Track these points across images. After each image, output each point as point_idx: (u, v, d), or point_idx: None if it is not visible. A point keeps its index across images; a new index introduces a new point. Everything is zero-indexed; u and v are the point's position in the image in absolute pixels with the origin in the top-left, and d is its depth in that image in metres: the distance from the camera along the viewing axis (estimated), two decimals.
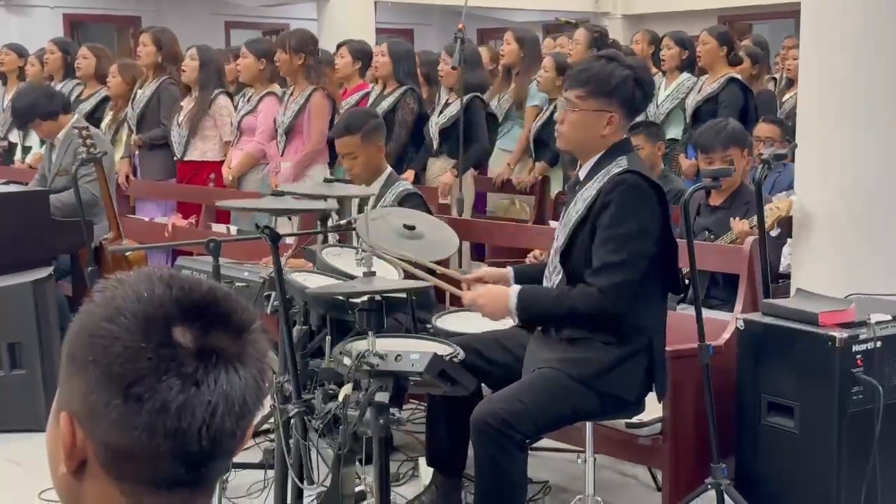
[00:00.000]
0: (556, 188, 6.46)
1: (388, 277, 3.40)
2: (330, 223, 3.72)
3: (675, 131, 6.45)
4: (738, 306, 3.64)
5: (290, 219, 3.71)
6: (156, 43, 6.66)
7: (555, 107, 5.41)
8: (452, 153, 6.19)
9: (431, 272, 3.35)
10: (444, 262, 4.63)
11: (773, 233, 4.06)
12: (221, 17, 14.38)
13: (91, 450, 1.03)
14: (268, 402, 3.32)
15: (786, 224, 3.98)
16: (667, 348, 3.21)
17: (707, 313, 3.39)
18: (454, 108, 6.19)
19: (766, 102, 6.68)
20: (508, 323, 3.62)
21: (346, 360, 2.82)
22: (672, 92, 6.56)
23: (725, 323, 3.57)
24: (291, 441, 3.16)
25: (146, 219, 6.42)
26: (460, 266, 5.67)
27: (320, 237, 3.76)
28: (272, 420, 3.65)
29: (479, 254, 6.67)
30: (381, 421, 2.78)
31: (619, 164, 3.09)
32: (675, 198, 4.88)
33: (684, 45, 6.65)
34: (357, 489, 3.22)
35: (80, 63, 7.21)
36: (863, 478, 3.13)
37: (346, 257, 3.62)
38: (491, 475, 3.02)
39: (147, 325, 1.00)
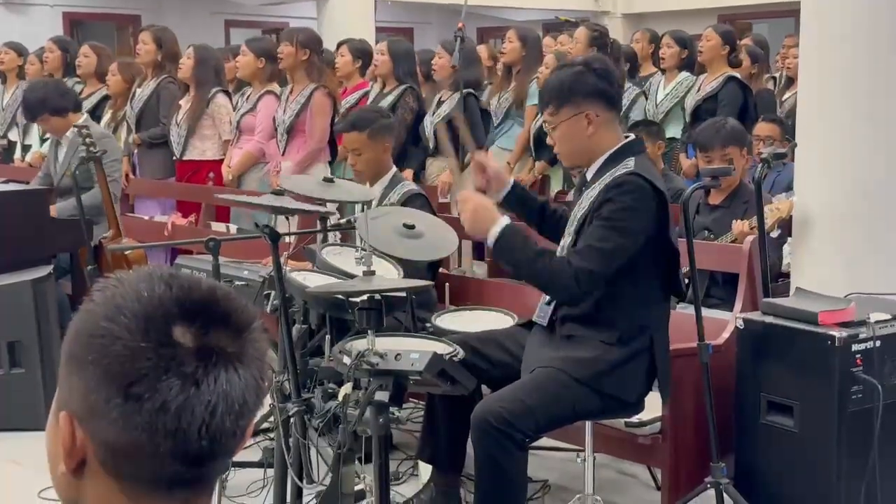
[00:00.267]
0: (556, 187, 6.46)
1: (388, 276, 3.41)
2: (330, 222, 3.71)
3: (674, 130, 6.45)
4: (738, 305, 3.64)
5: (287, 219, 3.70)
6: (156, 41, 6.65)
7: None
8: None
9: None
10: (444, 261, 4.65)
11: (774, 234, 4.06)
12: (221, 16, 14.38)
13: (91, 449, 1.03)
14: (267, 401, 3.32)
15: (785, 223, 3.98)
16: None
17: (707, 312, 3.39)
18: (448, 106, 6.20)
19: (765, 101, 6.68)
20: (509, 322, 3.63)
21: (346, 359, 2.82)
22: (671, 91, 6.57)
23: (725, 322, 3.57)
24: (291, 440, 3.16)
25: (146, 217, 6.42)
26: (460, 265, 5.69)
27: (320, 236, 3.76)
28: (272, 419, 3.65)
29: (479, 253, 6.68)
30: (380, 420, 2.78)
31: (626, 166, 3.09)
32: (674, 197, 4.88)
33: (684, 44, 6.65)
34: (356, 488, 3.22)
35: (80, 61, 7.20)
36: (862, 477, 3.13)
37: (346, 256, 3.61)
38: (491, 474, 3.03)
39: (147, 325, 1.00)
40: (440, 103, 6.34)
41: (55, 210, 5.49)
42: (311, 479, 3.22)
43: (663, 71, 6.79)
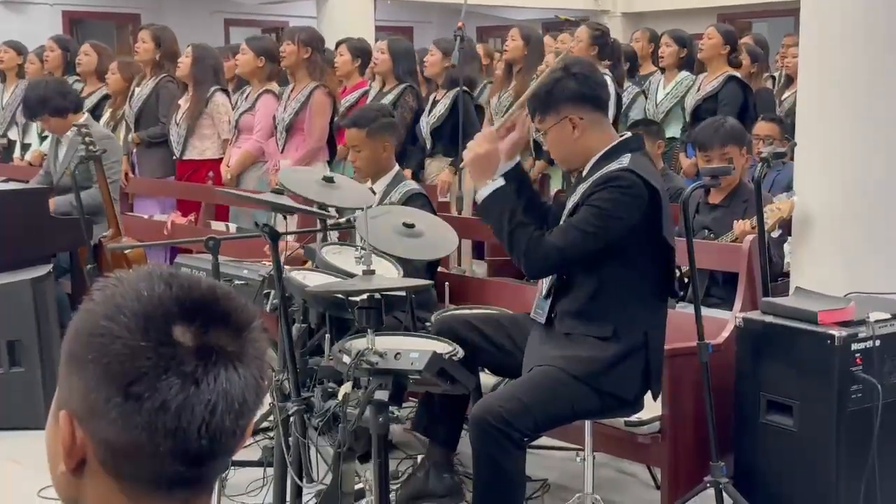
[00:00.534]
0: (555, 186, 6.46)
1: (388, 276, 3.41)
2: (329, 221, 3.71)
3: (674, 129, 6.45)
4: (738, 305, 3.64)
5: (285, 218, 3.70)
6: (155, 40, 6.65)
7: None
8: (447, 152, 6.20)
9: None
10: (444, 261, 4.65)
11: (775, 234, 4.06)
12: (221, 15, 14.38)
13: (90, 448, 1.03)
14: (267, 400, 3.32)
15: (786, 223, 3.98)
16: (666, 347, 3.22)
17: (706, 312, 3.40)
18: (442, 106, 6.21)
19: (765, 101, 6.68)
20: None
21: (346, 359, 2.82)
22: (671, 90, 6.57)
23: (725, 321, 3.57)
24: (291, 439, 3.16)
25: (145, 216, 6.42)
26: (459, 264, 5.69)
27: (319, 235, 3.76)
28: (271, 418, 3.65)
29: (478, 252, 6.68)
30: (380, 419, 2.78)
31: (621, 162, 3.10)
32: (674, 196, 4.88)
33: (683, 43, 6.65)
34: (356, 487, 3.22)
35: (81, 59, 7.20)
36: (861, 476, 3.13)
37: (346, 255, 3.61)
38: (490, 473, 3.03)
39: (147, 324, 1.00)
40: (435, 103, 6.34)
41: (53, 203, 5.48)
42: (311, 478, 3.22)
43: (663, 70, 6.79)
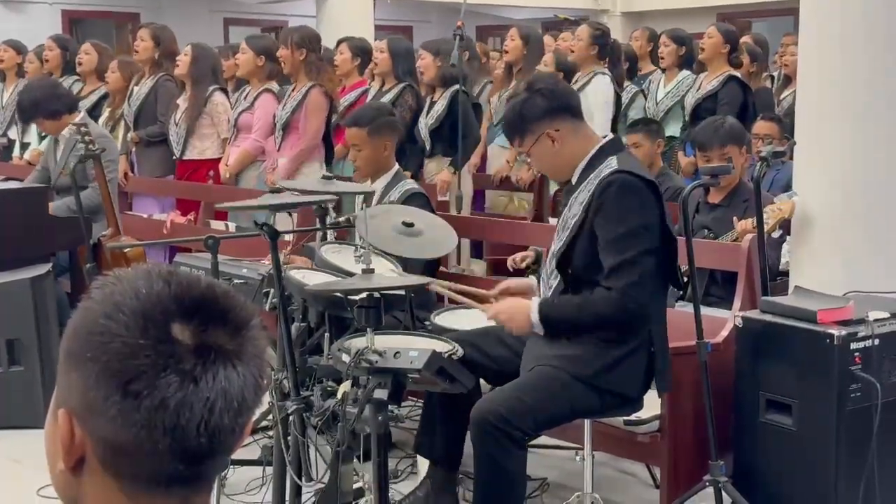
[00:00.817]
0: (554, 185, 6.45)
1: (387, 274, 3.40)
2: (328, 220, 3.71)
3: (674, 129, 6.45)
4: (737, 304, 3.64)
5: (290, 214, 3.70)
6: (154, 39, 6.65)
7: None
8: (446, 152, 6.20)
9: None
10: (444, 260, 4.65)
11: (775, 234, 4.06)
12: (220, 14, 14.37)
13: (89, 446, 1.03)
14: (266, 399, 3.32)
15: (788, 222, 3.98)
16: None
17: (706, 311, 3.40)
18: (440, 106, 6.21)
19: (764, 100, 6.68)
20: None
21: (345, 357, 2.82)
22: (672, 89, 6.56)
23: (724, 320, 3.57)
24: (290, 438, 3.16)
25: (144, 215, 6.42)
26: (459, 263, 5.69)
27: (319, 234, 3.76)
28: (271, 417, 3.65)
29: (477, 251, 6.68)
30: (379, 418, 2.78)
31: (609, 165, 3.11)
32: (674, 195, 4.88)
33: (682, 43, 6.65)
34: (355, 486, 3.22)
35: (81, 59, 7.19)
36: (861, 475, 3.13)
37: (345, 254, 3.62)
38: (490, 472, 3.03)
39: (145, 322, 1.00)
40: (432, 104, 6.34)
41: (52, 209, 5.48)
42: (310, 477, 3.22)
43: (663, 70, 6.79)
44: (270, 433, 3.77)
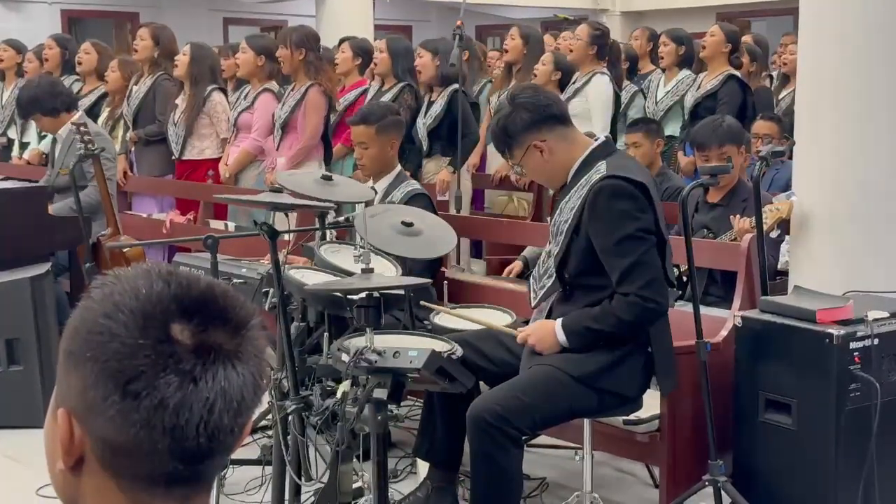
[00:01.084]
0: None
1: (386, 274, 3.40)
2: (328, 220, 3.71)
3: (673, 128, 6.45)
4: (736, 303, 3.64)
5: (286, 216, 3.70)
6: (153, 38, 6.65)
7: None
8: (444, 151, 6.21)
9: None
10: (444, 259, 4.65)
11: (774, 234, 4.06)
12: (220, 14, 14.37)
13: (89, 446, 1.03)
14: (266, 399, 3.32)
15: (786, 222, 3.98)
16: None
17: (705, 310, 3.40)
18: (438, 106, 6.21)
19: (763, 100, 6.68)
20: (507, 320, 3.62)
21: (344, 357, 2.82)
22: (672, 89, 6.57)
23: (723, 320, 3.57)
24: (289, 437, 3.16)
25: (144, 215, 6.42)
26: (458, 263, 5.69)
27: (318, 234, 3.76)
28: (270, 416, 3.65)
29: (477, 251, 6.68)
30: (378, 417, 2.78)
31: (599, 171, 3.11)
32: (673, 195, 4.88)
33: (681, 42, 6.65)
34: (355, 486, 3.22)
35: (81, 58, 7.19)
36: (860, 475, 3.13)
37: (345, 254, 3.61)
38: (487, 470, 3.03)
39: (145, 322, 1.00)
40: (430, 104, 6.34)
41: (52, 209, 5.48)
42: (310, 476, 3.22)
43: (662, 69, 6.79)
44: (270, 433, 3.77)
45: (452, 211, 5.59)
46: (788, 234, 4.04)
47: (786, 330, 3.23)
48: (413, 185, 4.40)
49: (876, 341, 3.15)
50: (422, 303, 3.62)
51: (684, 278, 4.09)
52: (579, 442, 3.40)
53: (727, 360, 3.40)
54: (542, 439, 4.02)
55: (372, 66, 6.57)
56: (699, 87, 6.29)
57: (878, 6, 3.70)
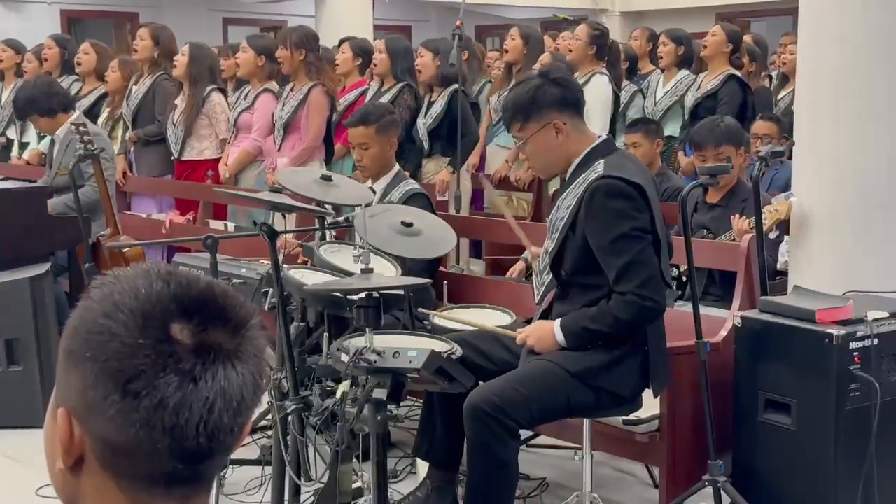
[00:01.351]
0: (553, 185, 6.46)
1: (386, 274, 3.40)
2: (328, 220, 3.71)
3: (673, 128, 6.45)
4: (736, 303, 3.64)
5: (284, 217, 3.70)
6: (153, 38, 6.65)
7: None
8: (444, 151, 6.21)
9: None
10: (443, 259, 4.65)
11: (772, 235, 4.06)
12: (219, 14, 14.37)
13: (88, 446, 1.03)
14: (266, 399, 3.32)
15: (784, 223, 3.98)
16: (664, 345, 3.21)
17: (704, 310, 3.40)
18: (438, 106, 6.21)
19: (762, 100, 6.68)
20: (507, 320, 3.62)
21: (344, 357, 2.82)
22: (671, 89, 6.57)
23: (723, 320, 3.57)
24: (289, 438, 3.16)
25: (143, 215, 6.42)
26: (458, 262, 5.69)
27: (317, 234, 3.76)
28: (270, 417, 3.65)
29: (476, 251, 6.68)
30: (378, 417, 2.78)
31: (596, 170, 3.11)
32: (673, 195, 4.88)
33: (681, 42, 6.65)
34: (354, 486, 3.22)
35: (80, 58, 7.19)
36: (860, 475, 3.13)
37: (344, 254, 3.61)
38: (483, 461, 3.03)
39: (145, 322, 1.00)
40: (430, 104, 6.34)
41: (49, 207, 5.48)
42: (309, 476, 3.22)
43: (662, 69, 6.79)
44: (269, 433, 3.77)
45: (452, 211, 5.59)
46: (788, 234, 4.04)
47: (785, 330, 3.23)
48: (411, 185, 4.40)
49: (875, 341, 3.16)
50: (419, 309, 3.61)
51: (684, 278, 4.09)
52: (579, 442, 3.40)
53: (727, 360, 3.40)
54: (542, 439, 4.02)
55: (371, 66, 6.57)
56: (699, 87, 6.30)
57: (877, 6, 3.70)
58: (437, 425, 3.51)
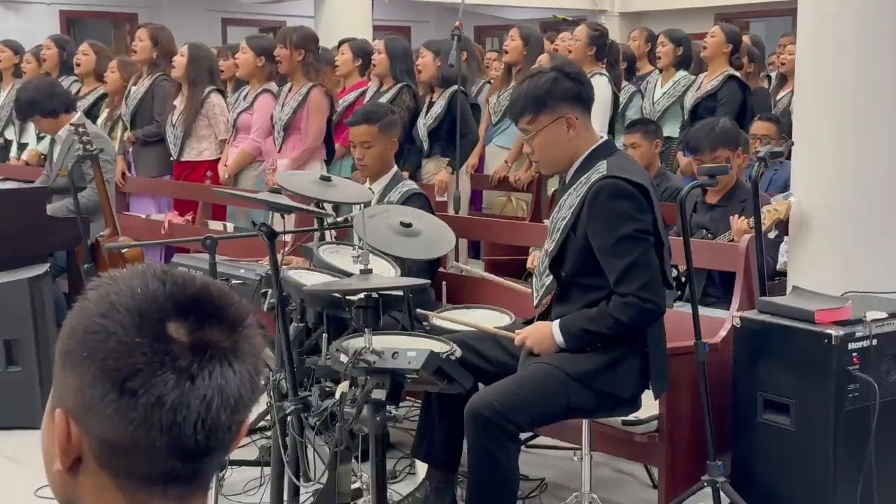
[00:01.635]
0: (552, 186, 6.45)
1: (385, 275, 3.40)
2: (327, 221, 3.71)
3: (671, 129, 6.45)
4: (735, 304, 3.64)
5: (283, 217, 3.70)
6: (152, 39, 6.65)
7: None
8: (444, 152, 6.21)
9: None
10: (442, 260, 4.65)
11: (771, 235, 4.06)
12: (218, 14, 14.37)
13: (86, 446, 1.03)
14: (265, 400, 3.32)
15: (783, 223, 3.99)
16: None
17: (704, 311, 3.40)
18: (438, 107, 6.21)
19: (761, 100, 6.69)
20: (506, 320, 3.62)
21: (343, 358, 2.82)
22: (669, 89, 6.57)
23: (722, 321, 3.57)
24: (288, 438, 3.16)
25: (142, 215, 6.42)
26: (457, 261, 5.69)
27: (316, 234, 3.76)
28: (269, 417, 3.64)
29: (475, 251, 6.68)
30: (377, 418, 2.78)
31: (599, 171, 3.10)
32: (672, 195, 4.88)
33: (679, 43, 6.66)
34: (353, 486, 3.22)
35: (80, 59, 7.19)
36: (859, 475, 3.13)
37: (343, 254, 3.61)
38: (484, 465, 3.03)
39: (141, 320, 1.00)
40: (431, 104, 6.34)
41: (49, 211, 5.48)
42: (308, 477, 3.22)
43: (660, 70, 6.79)
44: (268, 433, 3.77)
45: (451, 211, 5.59)
46: (787, 234, 4.04)
47: (784, 330, 3.23)
48: (410, 185, 4.40)
49: (874, 342, 3.16)
50: (418, 311, 3.61)
51: (683, 279, 4.09)
52: (578, 442, 3.40)
53: (726, 360, 3.40)
54: (541, 440, 4.02)
55: (370, 66, 6.57)
56: (699, 88, 6.30)
57: (875, 7, 3.70)
58: (435, 426, 3.51)
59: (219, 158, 6.41)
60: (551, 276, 3.22)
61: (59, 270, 5.54)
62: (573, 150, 3.19)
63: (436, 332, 3.42)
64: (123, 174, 6.69)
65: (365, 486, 3.18)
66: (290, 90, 6.05)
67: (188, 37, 7.10)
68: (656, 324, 3.15)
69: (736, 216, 4.20)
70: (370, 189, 4.29)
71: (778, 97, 7.17)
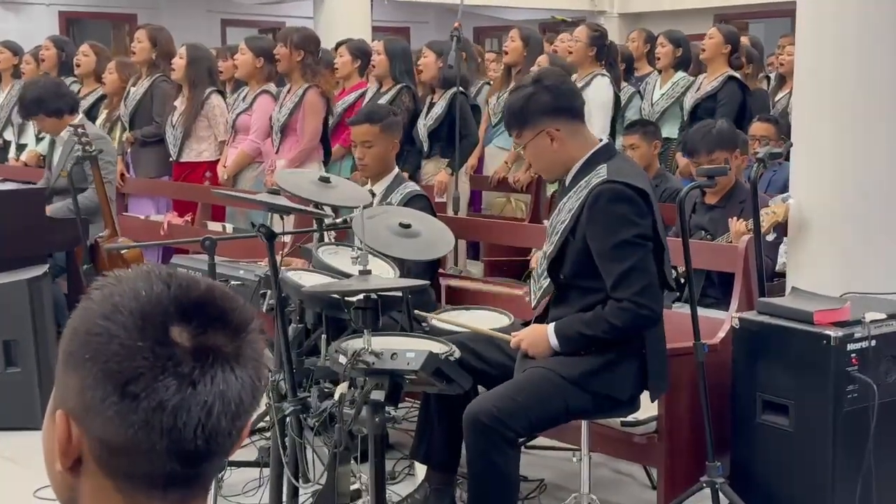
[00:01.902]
0: (552, 187, 6.45)
1: (384, 276, 3.40)
2: (326, 221, 3.71)
3: (670, 129, 6.45)
4: (734, 305, 3.64)
5: (282, 218, 3.70)
6: (151, 40, 6.65)
7: None
8: (444, 153, 6.21)
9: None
10: (441, 261, 4.65)
11: (770, 237, 4.06)
12: (217, 15, 14.37)
13: (87, 447, 1.03)
14: (264, 401, 3.32)
15: (781, 226, 3.99)
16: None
17: (702, 312, 3.40)
18: (439, 108, 6.22)
19: (759, 101, 6.69)
20: (505, 321, 3.62)
21: (342, 359, 2.82)
22: (668, 90, 6.57)
23: (721, 321, 3.57)
24: (287, 439, 3.16)
25: (141, 216, 6.41)
26: (456, 264, 5.70)
27: (315, 235, 3.76)
28: (268, 418, 3.64)
29: (474, 252, 6.68)
30: (376, 419, 2.78)
31: (599, 174, 3.10)
32: (671, 196, 4.89)
33: (678, 44, 6.66)
34: (352, 487, 3.22)
35: (79, 60, 7.18)
36: (858, 476, 3.14)
37: (342, 255, 3.61)
38: (484, 472, 3.03)
39: (144, 324, 1.00)
40: (431, 105, 6.34)
41: (50, 211, 5.48)
42: (307, 478, 3.22)
43: (659, 71, 6.80)
44: (268, 434, 3.77)
45: (450, 212, 5.60)
46: (786, 236, 4.04)
47: (783, 331, 3.23)
48: (411, 187, 4.40)
49: (873, 343, 3.16)
50: (415, 312, 3.61)
51: (682, 280, 4.09)
52: (577, 443, 3.40)
53: (725, 361, 3.40)
54: (540, 441, 4.02)
55: (370, 67, 6.58)
56: (699, 89, 6.30)
57: (875, 7, 3.71)
58: (434, 427, 3.51)
59: (218, 159, 6.41)
60: (549, 279, 3.22)
61: (58, 271, 5.54)
62: (565, 158, 3.20)
63: (435, 333, 3.42)
64: (122, 175, 6.68)
65: (364, 487, 3.18)
66: (288, 91, 6.06)
67: (187, 38, 7.10)
68: (656, 328, 3.15)
69: (734, 218, 4.20)
70: (371, 191, 4.29)
71: (777, 98, 7.17)
